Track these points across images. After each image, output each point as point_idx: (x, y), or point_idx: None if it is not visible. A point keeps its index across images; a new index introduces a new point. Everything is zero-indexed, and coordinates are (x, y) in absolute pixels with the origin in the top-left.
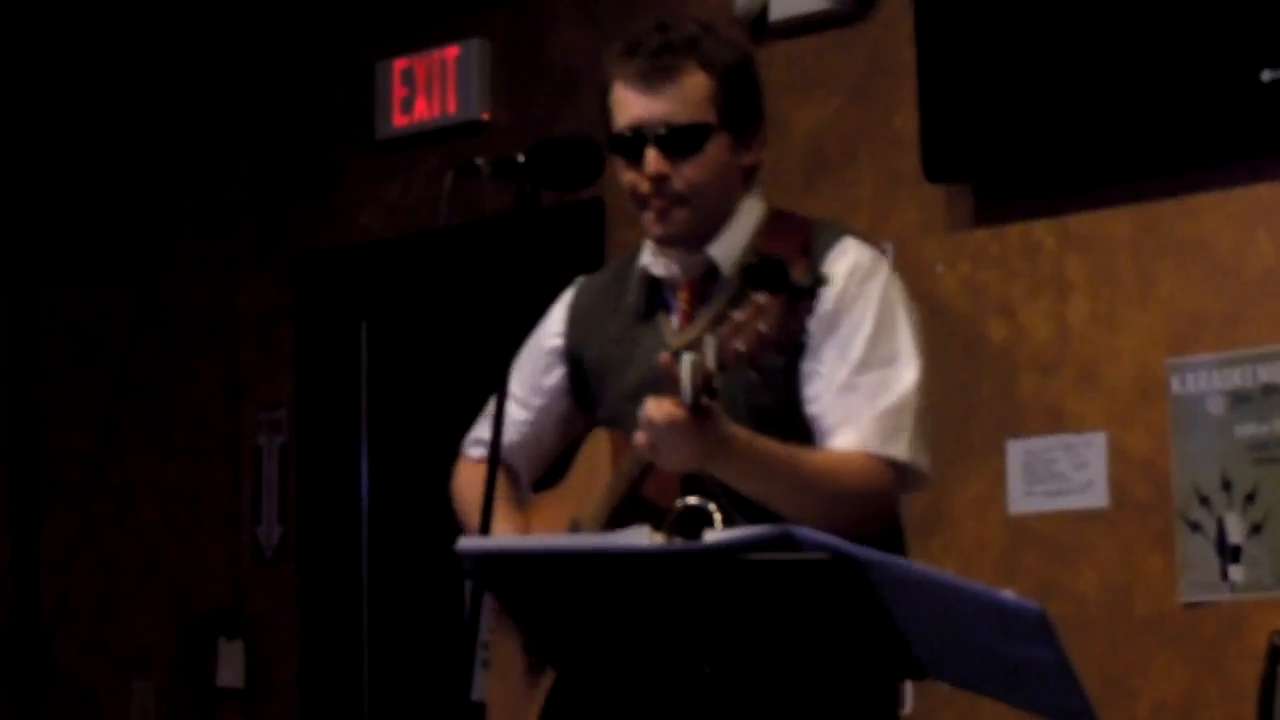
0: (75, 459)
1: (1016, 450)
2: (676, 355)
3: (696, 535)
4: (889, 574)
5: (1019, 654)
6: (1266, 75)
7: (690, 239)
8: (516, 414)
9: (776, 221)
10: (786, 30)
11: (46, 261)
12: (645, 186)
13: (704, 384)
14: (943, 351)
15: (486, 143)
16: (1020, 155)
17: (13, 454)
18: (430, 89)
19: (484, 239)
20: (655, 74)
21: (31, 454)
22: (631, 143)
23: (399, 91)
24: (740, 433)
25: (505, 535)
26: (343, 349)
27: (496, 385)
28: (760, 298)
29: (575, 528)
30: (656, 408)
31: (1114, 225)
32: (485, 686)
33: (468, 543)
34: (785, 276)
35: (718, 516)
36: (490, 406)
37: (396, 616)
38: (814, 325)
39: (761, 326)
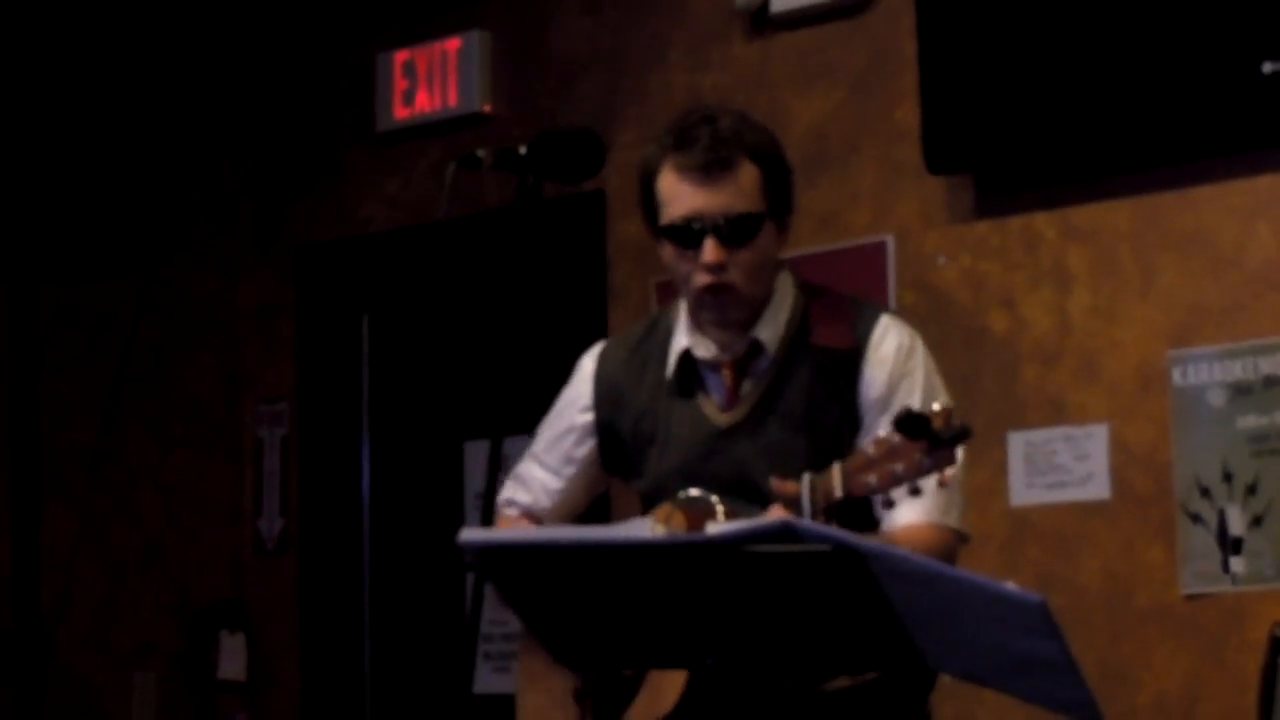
0: (76, 452)
1: (1018, 442)
2: (721, 440)
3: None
4: (890, 566)
5: (1020, 645)
6: (1267, 67)
7: (737, 323)
8: (550, 483)
9: (813, 300)
10: (788, 22)
11: (48, 254)
12: (702, 275)
13: (826, 507)
14: (943, 343)
15: (488, 135)
16: (1021, 147)
17: (14, 447)
18: (431, 81)
19: (485, 231)
20: (714, 167)
21: (32, 447)
22: (689, 233)
23: (400, 84)
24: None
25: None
26: (344, 341)
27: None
28: (895, 439)
29: None
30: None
31: (1115, 217)
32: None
33: (470, 535)
34: (929, 426)
35: (720, 509)
36: (518, 467)
37: (398, 609)
38: (868, 405)
39: (898, 468)
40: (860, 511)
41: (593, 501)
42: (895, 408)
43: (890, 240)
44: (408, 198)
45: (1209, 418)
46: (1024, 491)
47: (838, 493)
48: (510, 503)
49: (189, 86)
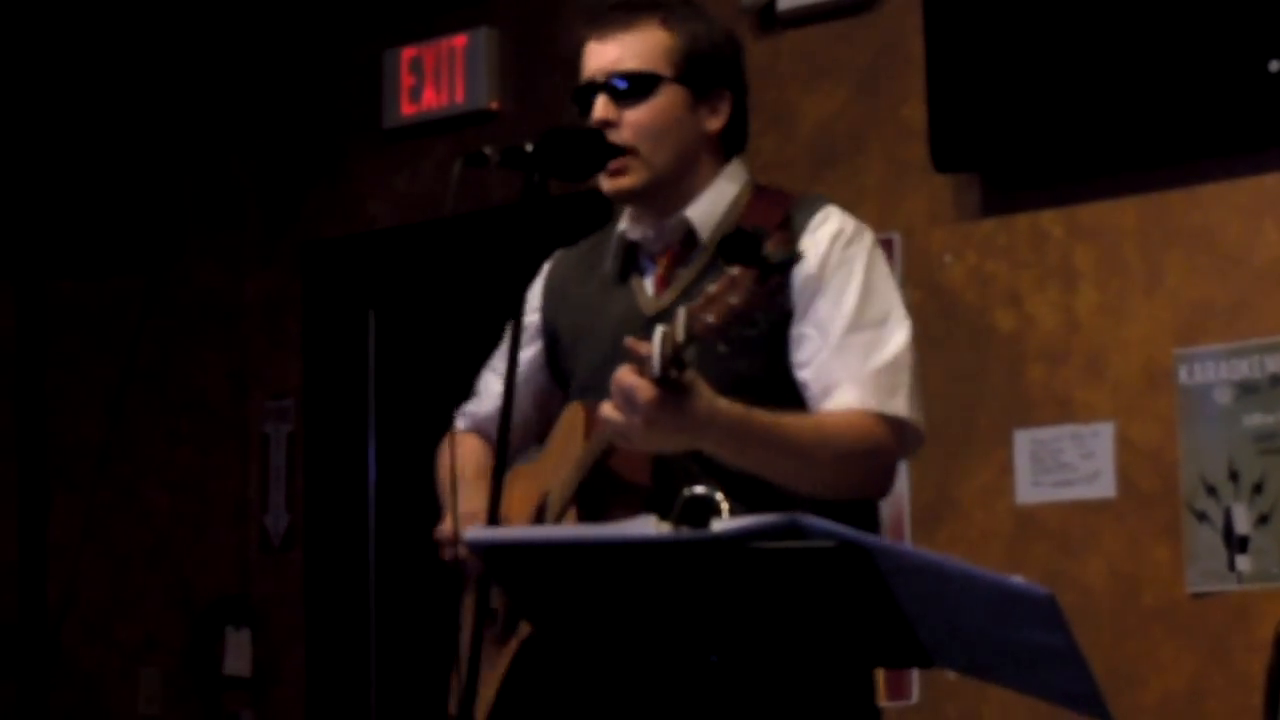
0: (83, 447)
1: (1024, 440)
2: (649, 327)
3: (703, 524)
4: (896, 561)
5: (1027, 639)
6: (1274, 65)
7: (645, 196)
8: (496, 386)
9: (759, 193)
10: (795, 20)
11: (54, 250)
12: None
13: (673, 356)
14: (950, 341)
15: (495, 132)
16: (1028, 145)
17: (20, 442)
18: (438, 78)
19: (492, 228)
20: (609, 24)
21: (39, 442)
22: (585, 94)
23: (407, 80)
24: (728, 407)
25: (473, 506)
26: (350, 338)
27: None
28: (733, 270)
29: (544, 500)
30: (623, 378)
31: (1121, 215)
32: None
33: (476, 533)
34: (759, 249)
35: (725, 505)
36: (480, 383)
37: (404, 605)
38: (799, 289)
39: (733, 300)
40: (769, 393)
41: (545, 418)
42: (831, 294)
43: (897, 238)
44: (414, 194)
45: (1215, 416)
46: (1030, 490)
47: (679, 336)
48: (463, 414)
49: (196, 83)
